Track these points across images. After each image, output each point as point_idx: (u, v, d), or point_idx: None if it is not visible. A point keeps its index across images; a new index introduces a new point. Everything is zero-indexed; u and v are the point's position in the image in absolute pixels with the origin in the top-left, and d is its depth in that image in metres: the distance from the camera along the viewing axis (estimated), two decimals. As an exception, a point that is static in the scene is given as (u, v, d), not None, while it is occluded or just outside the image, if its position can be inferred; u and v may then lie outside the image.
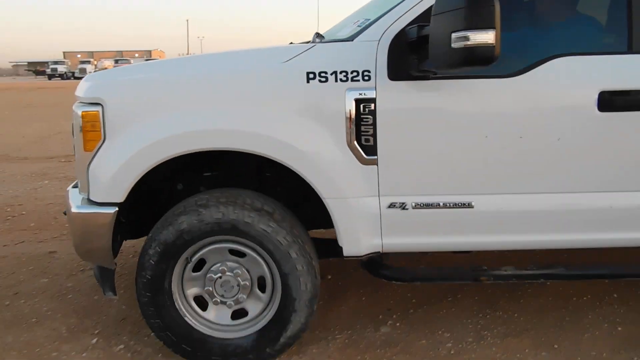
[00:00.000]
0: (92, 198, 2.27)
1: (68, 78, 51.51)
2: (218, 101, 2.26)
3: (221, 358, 2.32)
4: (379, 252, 2.35)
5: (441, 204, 2.28)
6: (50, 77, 53.84)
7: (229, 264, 2.29)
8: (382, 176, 2.23)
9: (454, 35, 1.82)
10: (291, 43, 2.60)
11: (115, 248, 2.36)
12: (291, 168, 2.20)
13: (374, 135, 2.18)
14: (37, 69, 73.41)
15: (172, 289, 2.29)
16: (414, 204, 2.27)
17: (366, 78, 2.15)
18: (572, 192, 2.31)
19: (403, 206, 2.27)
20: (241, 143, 2.20)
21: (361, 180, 2.23)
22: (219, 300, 2.31)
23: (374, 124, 2.16)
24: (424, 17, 2.06)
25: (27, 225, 4.40)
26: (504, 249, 2.58)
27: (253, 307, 2.35)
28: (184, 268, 2.30)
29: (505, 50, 2.19)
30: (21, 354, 2.50)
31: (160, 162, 2.19)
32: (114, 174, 2.20)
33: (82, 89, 2.38)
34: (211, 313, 2.36)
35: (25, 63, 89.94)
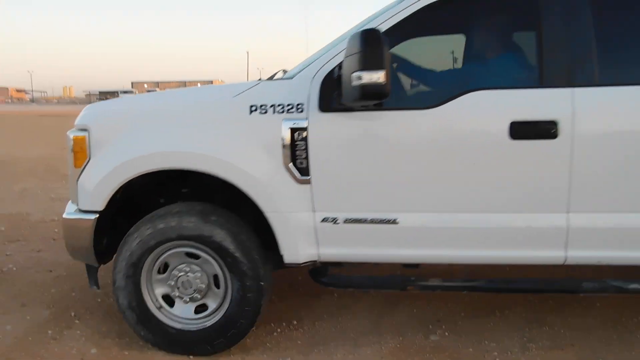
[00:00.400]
0: (79, 207, 2.72)
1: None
2: (177, 128, 2.65)
3: (183, 348, 2.69)
4: (315, 260, 2.65)
5: (369, 219, 2.56)
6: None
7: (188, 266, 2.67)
8: (316, 194, 2.55)
9: (352, 75, 2.20)
10: (259, 79, 3.00)
11: (107, 251, 2.82)
12: (235, 185, 2.55)
13: (307, 158, 2.50)
14: (107, 97, 78.35)
15: (142, 289, 2.66)
16: (344, 219, 2.56)
17: (300, 110, 2.50)
18: (486, 212, 2.53)
19: (335, 221, 2.57)
20: (193, 164, 2.58)
21: (297, 197, 2.55)
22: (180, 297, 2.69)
23: (307, 149, 2.49)
24: None
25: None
26: (427, 262, 2.75)
27: (212, 303, 2.69)
28: (151, 269, 2.67)
29: (425, 85, 2.71)
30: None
31: (131, 178, 2.61)
32: (95, 186, 2.65)
33: (78, 117, 2.85)
34: (177, 309, 2.72)
35: (97, 92, 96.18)
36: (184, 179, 2.81)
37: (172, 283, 2.68)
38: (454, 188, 2.53)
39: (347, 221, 2.57)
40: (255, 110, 2.54)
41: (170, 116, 2.72)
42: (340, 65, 2.45)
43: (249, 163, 2.55)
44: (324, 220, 2.58)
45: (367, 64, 2.16)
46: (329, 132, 2.51)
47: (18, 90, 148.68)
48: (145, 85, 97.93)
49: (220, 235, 2.55)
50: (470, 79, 2.80)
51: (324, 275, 2.81)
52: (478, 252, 2.59)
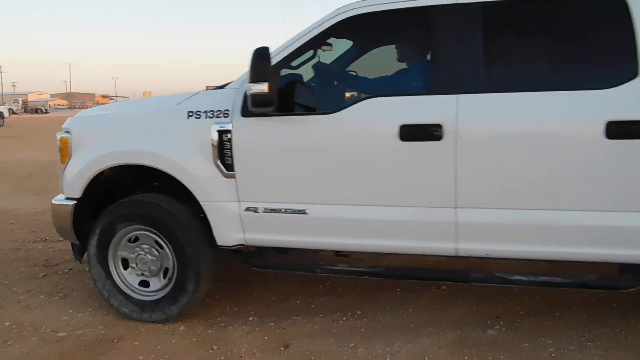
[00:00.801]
0: (64, 195, 3.33)
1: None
2: (132, 131, 3.21)
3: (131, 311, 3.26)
4: (243, 244, 3.08)
5: (283, 209, 2.95)
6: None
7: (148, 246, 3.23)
8: (239, 187, 2.97)
9: (246, 86, 2.69)
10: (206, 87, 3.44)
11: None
12: (176, 177, 3.04)
13: (232, 156, 2.92)
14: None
15: (109, 257, 3.28)
16: (263, 209, 2.98)
17: (226, 115, 2.93)
18: (383, 206, 2.84)
19: (256, 210, 2.99)
20: (142, 159, 3.11)
21: (225, 189, 2.98)
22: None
23: (231, 148, 2.91)
24: None
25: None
26: (332, 249, 3.06)
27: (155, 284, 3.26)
28: (120, 241, 3.27)
29: (330, 93, 3.24)
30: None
31: (98, 172, 3.19)
32: (74, 178, 3.24)
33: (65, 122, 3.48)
34: (128, 274, 3.32)
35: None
36: (159, 175, 3.19)
37: (133, 256, 3.27)
38: (353, 183, 2.85)
39: (265, 211, 2.98)
40: (192, 115, 3.02)
41: (128, 121, 3.34)
42: None
43: (186, 160, 3.03)
44: (247, 209, 3.01)
45: (254, 77, 2.62)
46: (248, 134, 2.93)
47: (103, 96, 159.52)
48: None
49: (161, 217, 3.10)
50: (367, 88, 3.21)
51: (249, 257, 3.21)
52: (377, 242, 2.90)
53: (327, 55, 3.37)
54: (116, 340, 3.05)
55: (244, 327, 3.19)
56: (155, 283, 3.25)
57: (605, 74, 2.68)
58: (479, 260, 2.87)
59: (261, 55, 2.65)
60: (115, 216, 3.21)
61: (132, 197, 3.31)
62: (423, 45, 3.06)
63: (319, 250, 3.12)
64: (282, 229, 3.01)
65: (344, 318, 3.27)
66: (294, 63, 3.12)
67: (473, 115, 2.67)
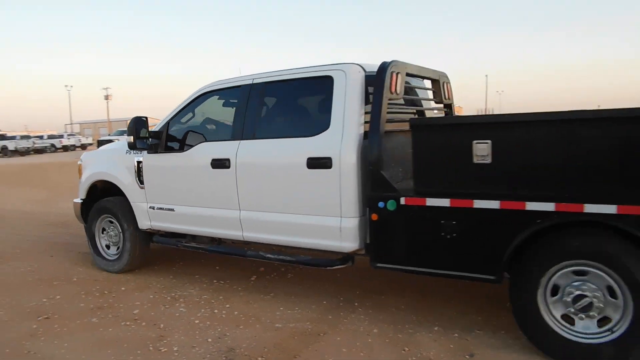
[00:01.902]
0: (79, 197, 5.72)
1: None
2: (102, 162, 5.49)
3: (104, 264, 5.55)
4: (150, 228, 5.06)
5: (164, 208, 4.87)
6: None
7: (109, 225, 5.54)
8: (147, 194, 4.99)
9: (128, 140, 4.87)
10: None
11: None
12: (120, 188, 5.17)
13: (142, 176, 4.96)
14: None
15: (95, 230, 5.58)
16: (156, 207, 4.93)
17: (142, 152, 4.93)
18: (204, 207, 4.57)
19: (153, 208, 4.96)
20: (106, 177, 5.34)
21: (141, 195, 5.03)
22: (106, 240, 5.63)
23: (142, 171, 4.95)
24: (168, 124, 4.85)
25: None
26: (192, 233, 4.86)
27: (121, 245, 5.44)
28: (101, 221, 5.55)
29: (185, 139, 4.71)
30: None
31: (90, 184, 5.52)
32: (80, 188, 5.66)
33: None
34: (104, 242, 5.60)
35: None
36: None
37: (107, 231, 5.54)
38: (192, 194, 4.63)
39: (157, 209, 4.93)
40: (128, 152, 5.06)
41: (101, 156, 5.71)
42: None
43: (124, 177, 5.14)
44: (150, 207, 4.99)
45: (128, 132, 4.68)
46: (148, 163, 4.93)
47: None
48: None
49: (114, 210, 5.31)
50: (204, 136, 4.64)
51: (154, 237, 5.23)
52: (206, 229, 4.64)
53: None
54: (322, 334, 3.63)
55: (430, 335, 3.54)
56: (113, 249, 5.49)
57: (311, 128, 3.94)
58: (254, 243, 4.49)
59: (134, 120, 4.64)
60: (96, 209, 5.51)
61: (103, 199, 5.47)
62: (223, 110, 4.74)
63: (184, 234, 4.96)
64: (164, 220, 4.92)
65: (523, 338, 3.41)
66: (183, 120, 4.86)
67: (244, 153, 4.22)
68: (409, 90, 4.41)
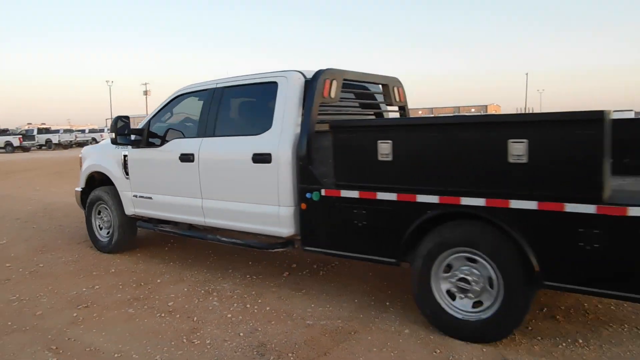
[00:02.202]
0: (80, 187, 6.44)
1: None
2: (96, 156, 6.17)
3: (99, 246, 6.24)
4: (135, 215, 5.69)
5: (145, 196, 5.46)
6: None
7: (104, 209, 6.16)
8: (131, 184, 5.60)
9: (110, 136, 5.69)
10: None
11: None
12: (110, 178, 5.84)
13: (127, 168, 5.58)
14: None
15: (92, 215, 6.26)
16: (138, 196, 5.54)
17: (128, 147, 5.46)
18: (176, 196, 5.14)
19: (136, 196, 5.56)
20: (98, 169, 6.03)
21: (127, 185, 5.65)
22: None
23: (127, 164, 5.57)
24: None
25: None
26: (167, 219, 5.44)
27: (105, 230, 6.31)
28: (98, 207, 6.21)
29: (163, 135, 5.23)
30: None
31: (88, 175, 6.26)
32: (80, 178, 6.38)
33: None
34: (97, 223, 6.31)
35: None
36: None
37: (99, 215, 6.22)
38: (166, 183, 5.22)
39: (139, 197, 5.54)
40: (117, 147, 5.64)
41: (95, 150, 6.45)
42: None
43: (114, 169, 5.79)
44: (134, 196, 5.60)
45: (110, 129, 5.40)
46: (132, 157, 5.55)
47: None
48: (472, 110, 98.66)
49: (104, 198, 5.99)
50: (179, 132, 5.24)
51: (138, 222, 5.83)
52: (179, 216, 5.21)
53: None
54: (352, 333, 3.62)
55: (463, 338, 3.49)
56: (104, 231, 6.18)
57: (258, 127, 4.42)
58: (213, 228, 5.06)
59: (116, 119, 5.25)
60: (91, 197, 6.20)
61: (97, 188, 6.16)
62: (196, 110, 5.12)
63: (163, 220, 5.52)
64: (145, 207, 5.53)
65: (564, 344, 3.33)
66: (163, 119, 5.44)
67: (205, 149, 4.81)
68: (364, 95, 5.17)
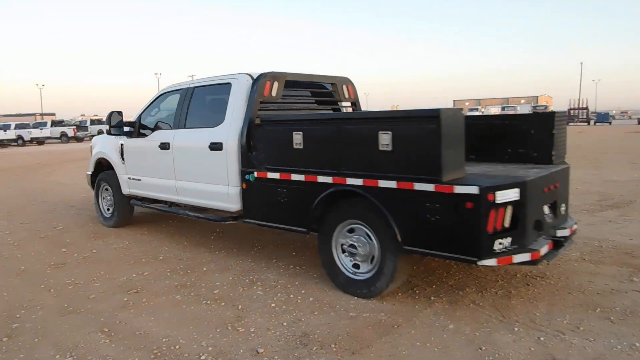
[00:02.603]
0: (90, 170, 7.61)
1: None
2: (102, 145, 7.21)
3: (103, 220, 7.46)
4: (130, 194, 6.73)
5: (135, 178, 6.50)
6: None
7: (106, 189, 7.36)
8: (127, 167, 6.62)
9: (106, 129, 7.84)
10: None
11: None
12: (111, 163, 6.93)
13: (123, 155, 6.65)
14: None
15: (99, 200, 7.46)
16: (131, 178, 6.56)
17: (124, 136, 6.55)
18: (157, 178, 6.10)
19: (130, 178, 6.58)
20: (103, 156, 7.12)
21: (123, 169, 6.70)
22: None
23: (123, 151, 6.64)
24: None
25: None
26: (152, 198, 6.41)
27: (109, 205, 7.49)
28: (102, 188, 7.37)
29: (150, 127, 6.30)
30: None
31: (95, 161, 7.37)
32: (90, 162, 7.51)
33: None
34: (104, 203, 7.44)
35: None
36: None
37: (102, 195, 7.39)
38: (151, 167, 6.16)
39: (131, 179, 6.55)
40: (116, 137, 6.65)
41: (100, 140, 7.45)
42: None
43: (113, 156, 6.83)
44: (128, 178, 6.59)
45: (106, 121, 6.59)
46: (126, 144, 6.57)
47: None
48: (522, 101, 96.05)
49: (108, 180, 7.07)
50: (163, 124, 6.14)
51: (132, 200, 6.81)
52: (163, 194, 6.10)
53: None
54: (395, 327, 3.59)
55: (510, 335, 3.39)
56: (108, 208, 7.27)
57: (214, 121, 5.28)
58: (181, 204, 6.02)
59: (110, 113, 6.36)
60: (98, 179, 7.30)
61: (102, 172, 7.25)
62: (174, 106, 6.03)
63: (148, 198, 6.54)
64: (136, 187, 6.52)
65: (618, 347, 3.18)
66: (152, 113, 6.41)
67: (177, 139, 5.75)
68: (316, 93, 6.08)
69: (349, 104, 6.31)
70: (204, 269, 5.09)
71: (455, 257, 3.58)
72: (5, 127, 38.08)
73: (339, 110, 6.33)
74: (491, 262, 3.47)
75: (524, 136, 4.69)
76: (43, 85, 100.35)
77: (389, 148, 3.72)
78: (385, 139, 3.73)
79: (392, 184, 3.75)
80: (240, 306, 4.06)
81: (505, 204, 3.48)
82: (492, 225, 3.43)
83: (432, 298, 4.10)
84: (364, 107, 6.69)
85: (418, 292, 4.25)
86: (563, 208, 4.35)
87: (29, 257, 5.72)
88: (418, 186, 3.61)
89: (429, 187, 3.55)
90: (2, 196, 10.64)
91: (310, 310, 3.94)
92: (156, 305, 4.15)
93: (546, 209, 4.04)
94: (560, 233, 4.10)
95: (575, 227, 4.39)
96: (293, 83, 5.49)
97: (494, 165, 4.51)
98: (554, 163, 4.52)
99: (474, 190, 3.38)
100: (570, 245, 4.46)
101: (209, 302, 4.18)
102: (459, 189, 3.44)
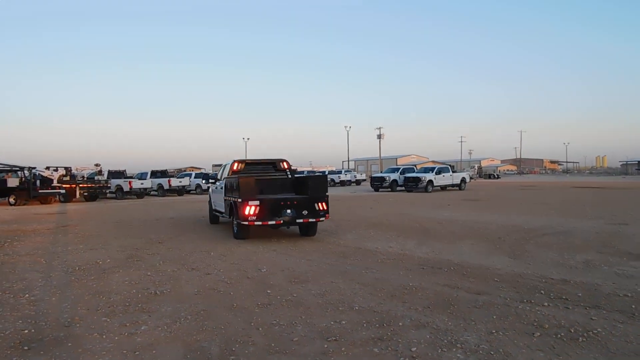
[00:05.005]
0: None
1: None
2: (211, 189, 16.92)
3: None
4: (215, 212, 15.65)
5: (215, 209, 15.57)
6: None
7: None
8: (211, 201, 16.33)
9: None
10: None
11: None
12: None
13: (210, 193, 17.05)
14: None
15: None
16: (214, 208, 15.67)
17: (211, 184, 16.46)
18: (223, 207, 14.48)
19: (213, 209, 16.07)
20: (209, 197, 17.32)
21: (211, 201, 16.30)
22: None
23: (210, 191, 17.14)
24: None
25: None
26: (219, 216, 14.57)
27: None
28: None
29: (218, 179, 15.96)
30: None
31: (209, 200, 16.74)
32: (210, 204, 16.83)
33: None
34: None
35: (636, 162, 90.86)
36: None
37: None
38: (217, 198, 15.07)
39: (213, 210, 15.30)
40: (211, 185, 16.27)
41: (211, 187, 16.31)
42: None
43: (212, 195, 16.21)
44: (213, 209, 15.60)
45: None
46: (211, 188, 16.35)
47: (552, 162, 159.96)
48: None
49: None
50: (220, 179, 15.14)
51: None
52: (220, 213, 14.58)
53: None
54: None
55: None
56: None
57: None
58: None
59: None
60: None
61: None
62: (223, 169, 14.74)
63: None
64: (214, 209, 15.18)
65: None
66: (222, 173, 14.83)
67: (216, 186, 14.97)
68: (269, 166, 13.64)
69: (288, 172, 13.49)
70: (400, 324, 4.99)
71: None
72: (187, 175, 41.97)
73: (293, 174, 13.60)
74: None
75: None
76: (248, 138, 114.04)
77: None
78: None
79: None
80: (440, 369, 3.86)
81: None
82: None
83: None
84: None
85: None
86: None
87: (239, 295, 6.32)
88: None
89: None
90: (219, 237, 12.13)
91: None
92: (355, 355, 4.19)
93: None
94: None
95: None
96: (250, 163, 13.27)
97: None
98: None
99: None
100: None
101: (407, 359, 4.07)
102: None
